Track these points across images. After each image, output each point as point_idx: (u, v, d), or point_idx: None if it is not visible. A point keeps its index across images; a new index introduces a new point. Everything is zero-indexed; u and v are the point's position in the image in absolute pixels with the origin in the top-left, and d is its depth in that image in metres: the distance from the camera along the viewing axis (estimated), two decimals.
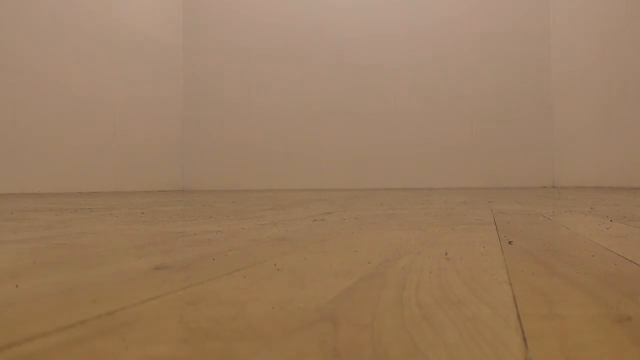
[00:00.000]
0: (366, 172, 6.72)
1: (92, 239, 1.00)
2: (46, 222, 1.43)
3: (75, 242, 0.95)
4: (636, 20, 4.72)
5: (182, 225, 1.29)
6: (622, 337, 0.33)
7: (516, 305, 0.41)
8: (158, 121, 6.73)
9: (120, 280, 0.56)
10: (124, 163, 6.06)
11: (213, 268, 0.63)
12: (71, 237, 1.03)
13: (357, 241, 0.89)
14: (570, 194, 3.31)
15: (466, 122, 6.61)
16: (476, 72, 6.60)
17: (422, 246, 0.80)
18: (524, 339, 0.33)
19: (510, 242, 0.81)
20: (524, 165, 6.49)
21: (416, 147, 6.65)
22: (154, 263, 0.66)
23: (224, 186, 6.98)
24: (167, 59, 6.93)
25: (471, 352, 0.31)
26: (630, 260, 0.64)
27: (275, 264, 0.63)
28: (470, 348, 0.31)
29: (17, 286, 0.52)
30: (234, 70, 7.01)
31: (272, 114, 6.94)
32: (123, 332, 0.35)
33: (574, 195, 3.05)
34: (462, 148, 6.60)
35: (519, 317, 0.38)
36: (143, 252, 0.80)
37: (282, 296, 0.47)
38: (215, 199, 3.07)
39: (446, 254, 0.69)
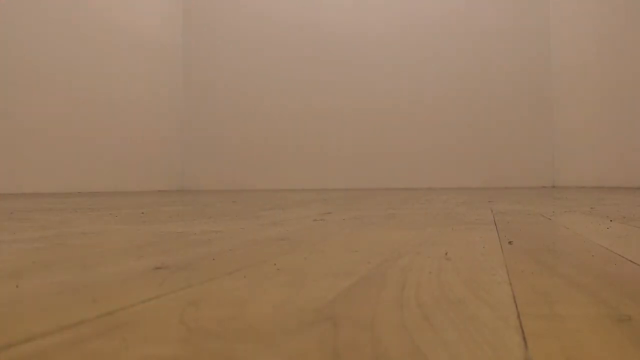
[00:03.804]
0: (366, 172, 6.72)
1: (92, 239, 1.00)
2: (46, 222, 1.43)
3: (75, 242, 0.95)
4: (636, 19, 4.72)
5: (182, 225, 1.29)
6: (622, 337, 0.33)
7: (516, 305, 0.41)
8: (158, 121, 6.73)
9: (120, 280, 0.56)
10: (123, 163, 6.06)
11: (213, 268, 0.63)
12: (71, 237, 1.03)
13: (357, 241, 0.89)
14: (570, 194, 3.31)
15: (466, 122, 6.61)
16: (476, 71, 6.60)
17: (422, 246, 0.80)
18: (524, 339, 0.33)
19: (510, 242, 0.81)
20: (524, 165, 6.48)
21: (416, 147, 6.65)
22: (154, 263, 0.66)
23: (224, 186, 6.98)
24: (166, 58, 6.93)
25: (471, 352, 0.31)
26: (630, 260, 0.64)
27: (275, 264, 0.63)
28: (470, 348, 0.31)
29: (17, 286, 0.52)
30: (234, 70, 7.01)
31: (272, 113, 6.94)
32: (123, 332, 0.35)
33: (574, 195, 3.05)
34: (462, 148, 6.59)
35: (519, 317, 0.38)
36: (143, 252, 0.80)
37: (282, 296, 0.47)
38: (215, 199, 3.07)
39: (446, 254, 0.69)
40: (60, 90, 5.20)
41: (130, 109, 6.21)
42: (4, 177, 4.59)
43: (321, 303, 0.43)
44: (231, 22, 7.07)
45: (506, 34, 6.56)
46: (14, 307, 0.44)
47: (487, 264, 0.62)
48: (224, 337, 0.34)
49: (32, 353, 0.31)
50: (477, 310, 0.40)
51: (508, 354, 0.30)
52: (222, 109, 7.05)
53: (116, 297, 0.48)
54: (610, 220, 1.20)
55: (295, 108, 6.89)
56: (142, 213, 1.81)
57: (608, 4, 5.28)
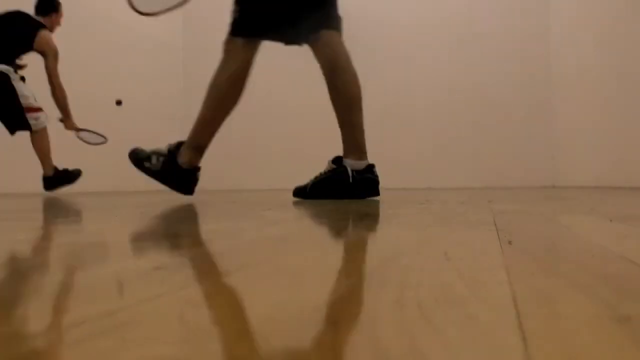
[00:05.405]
0: None
1: (92, 239, 1.00)
2: (46, 222, 1.43)
3: (76, 242, 0.95)
4: (636, 20, 4.72)
5: (182, 225, 1.29)
6: (622, 337, 0.33)
7: (516, 305, 0.41)
8: (158, 121, 6.72)
9: (120, 280, 0.56)
10: (123, 163, 6.04)
11: (213, 268, 0.63)
12: (71, 237, 1.03)
13: (357, 241, 0.89)
14: (570, 194, 3.31)
15: (466, 121, 6.61)
16: (476, 72, 6.60)
17: (422, 246, 0.80)
18: (524, 339, 0.33)
19: (510, 242, 0.81)
20: (524, 165, 6.48)
21: (416, 147, 6.65)
22: (154, 263, 0.66)
23: (224, 186, 6.98)
24: (167, 58, 6.92)
25: (471, 352, 0.31)
26: (630, 260, 0.64)
27: (275, 264, 0.63)
28: (470, 348, 0.31)
29: (17, 286, 0.52)
30: None
31: (272, 113, 6.94)
32: (123, 332, 0.35)
33: (574, 195, 3.05)
34: (462, 148, 6.59)
35: (519, 317, 0.38)
36: (143, 252, 0.80)
37: (282, 296, 0.47)
38: (215, 199, 3.08)
39: (446, 254, 0.69)
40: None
41: (130, 109, 6.21)
42: (4, 177, 4.59)
43: (321, 303, 0.43)
44: None
45: (506, 35, 6.56)
46: (13, 307, 0.44)
47: (487, 264, 0.62)
48: (224, 337, 0.34)
49: (32, 353, 0.31)
50: (477, 310, 0.40)
51: (508, 354, 0.30)
52: None
53: (116, 297, 0.48)
54: (610, 220, 1.20)
55: (296, 108, 6.89)
56: (142, 213, 1.81)
57: (608, 5, 5.28)
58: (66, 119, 4.66)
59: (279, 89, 6.93)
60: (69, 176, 4.59)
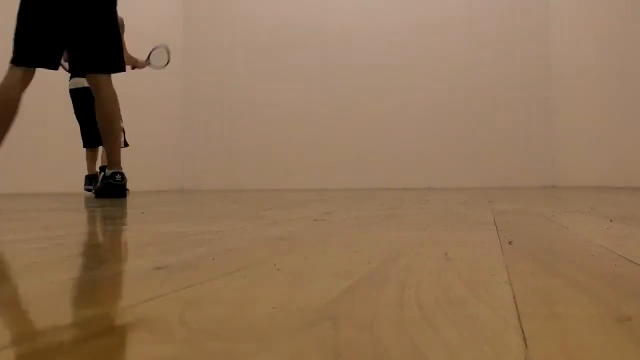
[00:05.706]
0: (366, 172, 6.71)
1: (92, 239, 1.00)
2: (46, 222, 1.43)
3: (75, 242, 0.95)
4: (636, 20, 4.72)
5: (182, 225, 1.29)
6: (622, 337, 0.33)
7: (516, 305, 0.41)
8: (158, 121, 6.73)
9: (120, 280, 0.56)
10: (123, 163, 6.04)
11: (213, 268, 0.63)
12: (71, 237, 1.03)
13: (357, 241, 0.89)
14: (570, 194, 3.31)
15: (466, 122, 6.61)
16: (476, 72, 6.60)
17: (422, 246, 0.80)
18: (524, 339, 0.33)
19: (510, 242, 0.81)
20: (524, 165, 6.48)
21: (416, 147, 6.65)
22: (154, 263, 0.66)
23: (224, 186, 6.98)
24: None
25: (471, 352, 0.31)
26: (630, 260, 0.64)
27: (275, 264, 0.63)
28: (470, 348, 0.31)
29: (17, 286, 0.52)
30: (234, 70, 7.01)
31: (272, 113, 6.94)
32: (123, 332, 0.35)
33: (574, 195, 3.05)
34: (462, 147, 6.59)
35: (519, 317, 0.38)
36: (143, 252, 0.80)
37: (282, 296, 0.47)
38: (215, 199, 3.08)
39: (446, 254, 0.69)
40: (60, 91, 5.20)
41: (130, 109, 6.21)
42: (4, 177, 4.60)
43: (321, 303, 0.43)
44: (231, 23, 7.07)
45: (507, 36, 6.56)
46: (14, 307, 0.44)
47: (487, 264, 0.62)
48: (224, 337, 0.34)
49: (32, 353, 0.31)
50: (477, 310, 0.40)
51: (508, 354, 0.30)
52: (222, 109, 7.05)
53: (116, 297, 0.48)
54: (610, 220, 1.20)
55: (296, 108, 6.89)
56: (142, 213, 1.82)
57: (607, 6, 5.28)
58: (136, 64, 5.14)
59: (279, 91, 6.93)
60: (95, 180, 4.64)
